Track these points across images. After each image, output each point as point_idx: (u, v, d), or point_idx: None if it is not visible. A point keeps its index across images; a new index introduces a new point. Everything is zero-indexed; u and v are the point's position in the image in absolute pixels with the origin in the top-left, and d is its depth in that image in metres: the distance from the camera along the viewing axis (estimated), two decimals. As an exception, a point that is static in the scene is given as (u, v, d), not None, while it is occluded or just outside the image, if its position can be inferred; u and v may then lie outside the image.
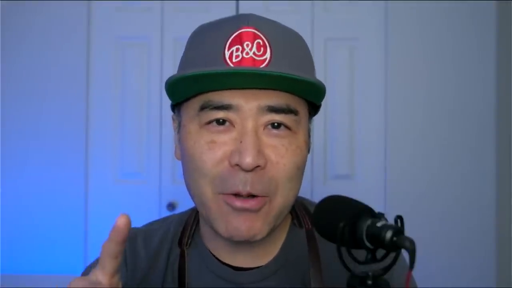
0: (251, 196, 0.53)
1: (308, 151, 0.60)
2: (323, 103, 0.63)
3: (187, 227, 0.66)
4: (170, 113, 0.63)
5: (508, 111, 1.85)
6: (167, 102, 0.62)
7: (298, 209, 0.66)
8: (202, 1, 1.95)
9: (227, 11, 1.85)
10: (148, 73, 1.96)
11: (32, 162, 1.94)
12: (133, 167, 1.97)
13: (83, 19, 1.96)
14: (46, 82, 1.95)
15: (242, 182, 0.52)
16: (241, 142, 0.52)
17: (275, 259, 0.62)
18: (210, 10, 1.92)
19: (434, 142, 1.93)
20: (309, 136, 0.60)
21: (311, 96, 0.57)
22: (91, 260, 0.70)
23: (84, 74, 1.96)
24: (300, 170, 0.56)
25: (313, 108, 0.61)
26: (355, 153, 1.95)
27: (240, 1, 1.94)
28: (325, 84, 0.63)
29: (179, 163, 0.59)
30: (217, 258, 0.62)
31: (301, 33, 0.61)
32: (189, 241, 0.65)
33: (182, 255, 0.64)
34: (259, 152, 0.52)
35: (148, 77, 1.96)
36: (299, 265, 0.62)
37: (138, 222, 0.74)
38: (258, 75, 0.50)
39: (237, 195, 0.53)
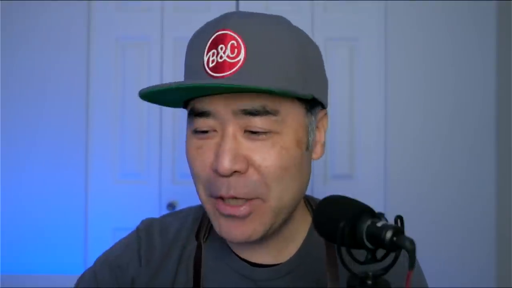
0: (237, 199, 0.53)
1: (308, 148, 0.57)
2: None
3: (205, 220, 0.67)
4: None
5: (508, 111, 1.85)
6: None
7: None
8: (202, 1, 1.95)
9: (227, 11, 1.84)
10: (148, 73, 1.96)
11: (32, 162, 1.94)
12: (133, 167, 1.96)
13: (83, 19, 1.96)
14: (46, 83, 1.96)
15: (224, 186, 0.52)
16: (220, 147, 0.52)
17: (293, 258, 0.62)
18: (210, 10, 1.92)
19: (434, 142, 1.93)
20: (307, 132, 0.57)
21: (287, 95, 0.53)
22: (91, 260, 0.70)
23: (84, 74, 1.96)
24: (289, 170, 0.54)
25: (314, 102, 0.57)
26: (355, 153, 1.95)
27: (240, 1, 1.95)
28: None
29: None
30: (235, 253, 0.63)
31: (301, 33, 0.60)
32: (206, 234, 0.65)
33: (199, 248, 0.64)
34: (236, 156, 0.51)
35: (148, 77, 1.96)
36: (316, 267, 0.62)
37: (138, 222, 0.74)
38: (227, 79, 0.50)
39: (222, 198, 0.53)
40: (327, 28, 1.96)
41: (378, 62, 1.95)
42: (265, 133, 0.52)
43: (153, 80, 1.95)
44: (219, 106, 0.52)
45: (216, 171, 0.52)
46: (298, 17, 1.92)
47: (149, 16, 1.98)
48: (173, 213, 0.72)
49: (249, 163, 0.52)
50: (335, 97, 1.92)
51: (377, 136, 1.95)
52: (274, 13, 0.58)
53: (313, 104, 0.58)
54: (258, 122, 0.52)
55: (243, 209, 0.53)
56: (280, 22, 0.56)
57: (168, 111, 1.92)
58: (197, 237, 0.65)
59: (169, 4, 1.97)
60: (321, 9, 1.96)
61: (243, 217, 0.53)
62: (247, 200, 0.53)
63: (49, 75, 1.96)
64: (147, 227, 0.68)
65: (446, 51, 1.94)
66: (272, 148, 0.52)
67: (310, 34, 1.91)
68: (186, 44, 0.60)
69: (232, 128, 0.52)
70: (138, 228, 0.69)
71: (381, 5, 1.95)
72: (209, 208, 0.56)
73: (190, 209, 0.72)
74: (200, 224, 0.67)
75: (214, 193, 0.54)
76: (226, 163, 0.50)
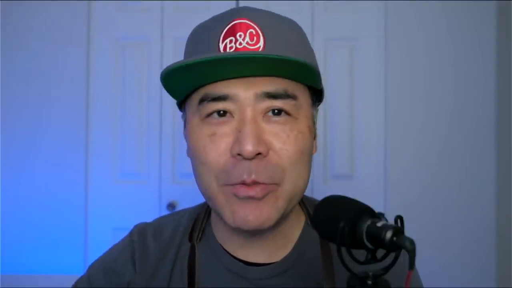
0: (256, 183, 0.52)
1: (314, 137, 0.60)
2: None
3: (198, 222, 0.66)
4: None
5: (508, 111, 1.85)
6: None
7: (311, 210, 0.66)
8: (202, 1, 1.95)
9: (227, 11, 1.85)
10: (148, 73, 1.97)
11: (32, 162, 1.94)
12: (133, 167, 1.96)
13: (83, 19, 1.96)
14: (46, 83, 1.96)
15: (246, 171, 0.52)
16: (240, 131, 0.52)
17: (288, 257, 0.62)
18: (210, 9, 1.92)
19: (434, 142, 1.93)
20: (313, 122, 0.60)
21: (307, 79, 0.56)
22: (91, 260, 0.70)
23: (84, 74, 1.96)
24: (304, 155, 0.55)
25: (316, 95, 0.60)
26: (355, 153, 1.95)
27: (240, 1, 1.95)
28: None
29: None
30: (228, 253, 0.62)
31: (301, 33, 0.61)
32: (199, 236, 0.65)
33: (192, 250, 0.63)
34: (259, 139, 0.52)
35: (148, 77, 1.96)
36: (312, 265, 0.62)
37: (138, 222, 0.74)
38: (250, 60, 0.50)
39: (242, 184, 0.53)
40: (327, 28, 1.96)
41: (378, 62, 1.95)
42: (286, 113, 0.54)
43: (153, 80, 1.95)
44: (238, 90, 0.53)
45: (237, 156, 0.52)
46: (298, 17, 1.91)
47: (149, 16, 1.98)
48: (168, 215, 0.72)
49: (268, 146, 0.53)
50: (335, 97, 1.92)
51: (377, 136, 1.95)
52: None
53: (316, 98, 0.61)
54: (279, 104, 0.53)
55: (260, 190, 0.53)
56: (286, 18, 0.59)
57: (168, 111, 1.92)
58: (190, 238, 0.65)
59: (169, 4, 1.97)
60: (321, 9, 1.96)
61: (259, 198, 0.53)
62: (264, 185, 0.53)
63: (49, 75, 1.96)
64: (141, 231, 0.68)
65: (446, 51, 1.94)
66: (291, 132, 0.54)
67: (310, 34, 1.92)
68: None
69: (253, 112, 0.53)
70: (131, 233, 0.69)
71: (381, 5, 1.95)
72: (220, 198, 0.55)
73: (186, 210, 0.72)
74: (193, 225, 0.66)
75: (234, 179, 0.53)
76: (250, 146, 0.50)
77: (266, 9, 0.58)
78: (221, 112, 0.54)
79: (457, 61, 1.94)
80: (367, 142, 1.95)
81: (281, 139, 0.53)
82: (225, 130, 0.53)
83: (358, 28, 1.96)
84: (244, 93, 0.53)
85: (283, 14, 0.60)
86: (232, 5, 1.93)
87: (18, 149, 1.94)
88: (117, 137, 1.97)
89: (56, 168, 1.94)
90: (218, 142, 0.53)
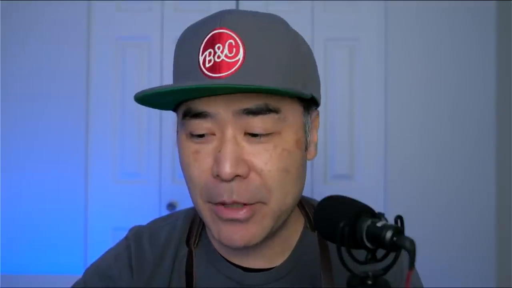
0: (238, 203, 0.52)
1: (306, 148, 0.57)
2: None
3: (194, 226, 0.65)
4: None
5: (508, 111, 1.85)
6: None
7: (310, 212, 0.65)
8: (202, 1, 1.95)
9: (227, 11, 1.84)
10: (148, 73, 1.96)
11: (32, 162, 1.94)
12: (133, 167, 1.96)
13: (83, 19, 1.96)
14: (46, 82, 1.95)
15: (226, 192, 0.51)
16: (219, 151, 0.51)
17: (287, 261, 0.61)
18: (210, 10, 1.92)
19: (434, 142, 1.93)
20: (305, 131, 0.56)
21: (288, 94, 0.52)
22: (91, 260, 0.70)
23: (84, 74, 1.96)
24: (291, 172, 0.53)
25: (308, 101, 0.57)
26: (355, 153, 1.95)
27: (240, 1, 1.95)
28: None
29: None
30: (226, 259, 0.62)
31: (301, 33, 0.59)
32: (196, 240, 0.64)
33: (190, 255, 0.63)
34: (238, 160, 0.50)
35: (148, 77, 1.96)
36: (311, 269, 0.61)
37: (138, 222, 0.73)
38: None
39: (223, 204, 0.52)
40: (327, 28, 1.95)
41: (378, 62, 1.95)
42: (266, 134, 0.51)
43: (153, 80, 1.95)
44: (218, 107, 0.50)
45: (217, 177, 0.51)
46: (298, 17, 1.92)
47: (149, 16, 1.98)
48: (162, 218, 0.71)
49: (250, 167, 0.51)
50: (335, 97, 1.92)
51: (377, 136, 1.95)
52: (274, 13, 0.57)
53: (310, 104, 0.58)
54: (259, 123, 0.51)
55: (244, 212, 0.52)
56: (275, 21, 0.55)
57: (168, 111, 1.92)
58: (188, 243, 0.64)
59: (169, 4, 1.97)
60: (321, 9, 1.96)
61: (244, 220, 0.52)
62: (248, 206, 0.52)
63: (49, 75, 1.96)
64: (136, 235, 0.67)
65: (446, 51, 1.94)
66: (273, 151, 0.51)
67: (310, 34, 1.92)
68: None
69: (232, 131, 0.51)
70: (126, 237, 0.68)
71: (381, 5, 1.95)
72: (207, 215, 0.55)
73: (179, 212, 0.71)
74: (190, 229, 0.65)
75: (215, 199, 0.52)
76: (227, 168, 0.49)
77: (266, 9, 0.57)
78: (202, 134, 0.52)
79: (457, 61, 1.94)
80: (367, 142, 1.95)
81: (263, 159, 0.51)
82: (207, 149, 0.52)
83: (358, 28, 1.96)
84: (224, 110, 0.50)
85: (283, 14, 0.59)
86: (232, 5, 1.93)
87: (18, 149, 1.94)
88: (117, 137, 1.96)
89: (56, 168, 1.94)
90: (201, 161, 0.52)
